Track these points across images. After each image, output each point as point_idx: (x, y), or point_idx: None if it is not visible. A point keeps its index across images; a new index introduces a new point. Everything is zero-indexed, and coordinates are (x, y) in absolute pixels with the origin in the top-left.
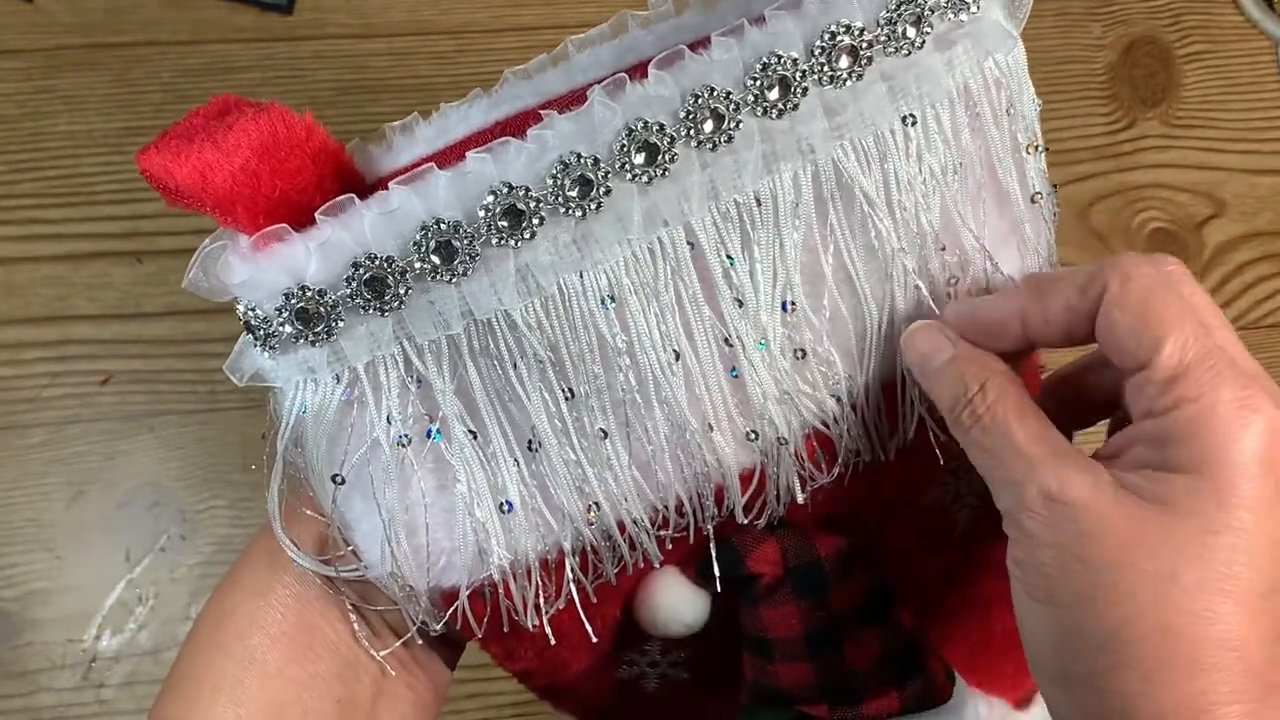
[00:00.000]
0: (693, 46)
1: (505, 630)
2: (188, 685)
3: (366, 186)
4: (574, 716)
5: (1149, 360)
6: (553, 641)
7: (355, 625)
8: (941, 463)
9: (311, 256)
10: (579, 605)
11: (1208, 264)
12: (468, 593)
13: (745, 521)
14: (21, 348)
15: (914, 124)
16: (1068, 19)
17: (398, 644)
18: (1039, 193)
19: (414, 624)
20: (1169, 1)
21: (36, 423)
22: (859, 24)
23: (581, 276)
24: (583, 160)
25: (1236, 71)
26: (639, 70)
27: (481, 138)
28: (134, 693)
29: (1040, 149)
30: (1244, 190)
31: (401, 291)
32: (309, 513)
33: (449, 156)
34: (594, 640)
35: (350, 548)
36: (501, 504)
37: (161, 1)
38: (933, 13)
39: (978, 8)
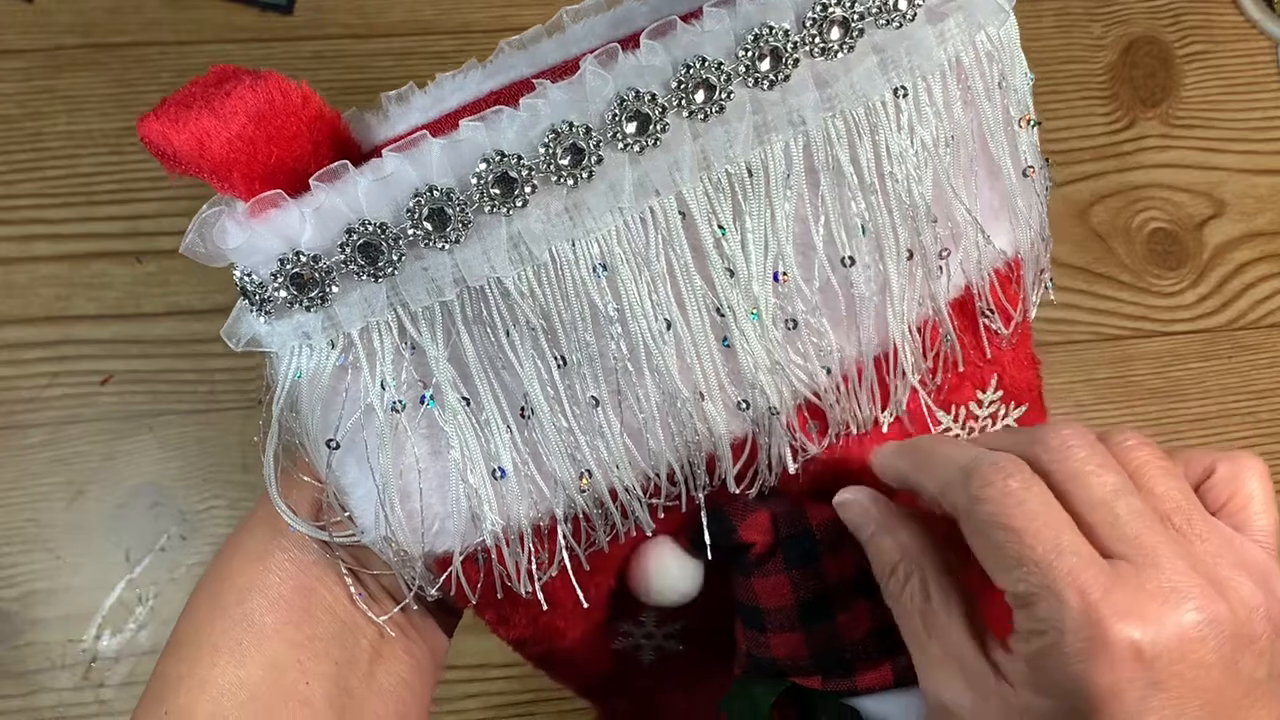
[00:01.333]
0: (686, 18)
1: (499, 596)
2: (187, 646)
3: (362, 155)
4: (571, 687)
5: (1003, 589)
6: (545, 607)
7: (352, 589)
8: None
9: (306, 222)
10: (571, 572)
11: (1207, 264)
12: (461, 558)
13: (737, 490)
14: (21, 348)
15: (905, 96)
16: (1068, 19)
17: (396, 609)
18: (1031, 166)
19: (409, 589)
20: (1169, 1)
21: (36, 423)
22: None
23: (573, 245)
24: (575, 129)
25: (1236, 71)
26: (632, 41)
27: (476, 107)
28: (134, 693)
29: (1033, 123)
30: (1244, 190)
31: (395, 258)
32: (305, 479)
33: (443, 126)
34: (586, 607)
35: (345, 513)
36: (494, 470)
37: (161, 1)
38: None
39: None
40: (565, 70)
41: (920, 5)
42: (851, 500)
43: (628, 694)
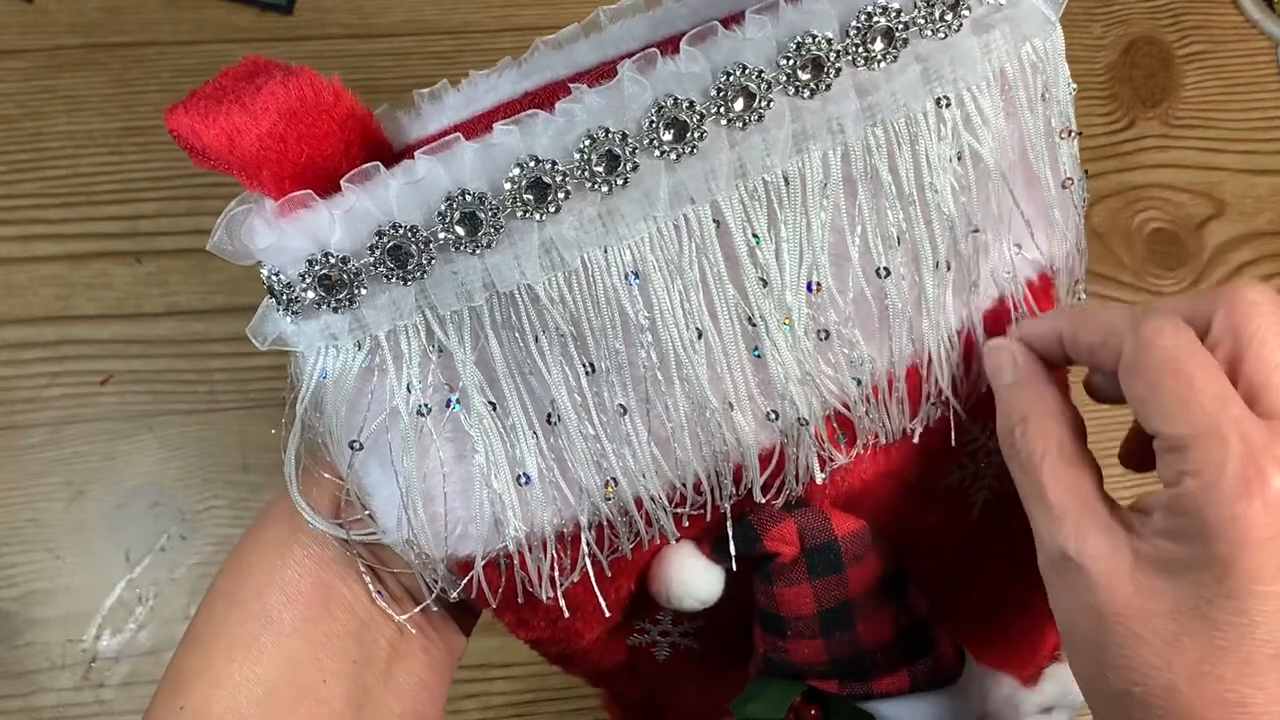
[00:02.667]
0: (726, 21)
1: (520, 601)
2: (204, 641)
3: (393, 153)
4: (584, 679)
5: (1158, 431)
6: (566, 615)
7: (371, 587)
8: (960, 445)
9: (336, 224)
10: (594, 579)
11: (1207, 264)
12: (483, 563)
13: (763, 500)
14: (21, 348)
15: (948, 106)
16: (1068, 19)
17: (416, 610)
18: (1070, 178)
19: (430, 591)
20: (1169, 1)
21: (36, 423)
22: (896, 5)
23: (606, 252)
24: (610, 135)
25: (1236, 71)
26: (671, 44)
27: (510, 108)
28: (134, 693)
29: (1074, 134)
30: (1244, 190)
31: (424, 261)
32: (327, 476)
33: (476, 127)
34: (607, 615)
35: (367, 512)
36: (519, 476)
37: (161, 1)
38: None
39: None
40: (602, 73)
41: (966, 16)
42: (1001, 346)
43: (639, 685)
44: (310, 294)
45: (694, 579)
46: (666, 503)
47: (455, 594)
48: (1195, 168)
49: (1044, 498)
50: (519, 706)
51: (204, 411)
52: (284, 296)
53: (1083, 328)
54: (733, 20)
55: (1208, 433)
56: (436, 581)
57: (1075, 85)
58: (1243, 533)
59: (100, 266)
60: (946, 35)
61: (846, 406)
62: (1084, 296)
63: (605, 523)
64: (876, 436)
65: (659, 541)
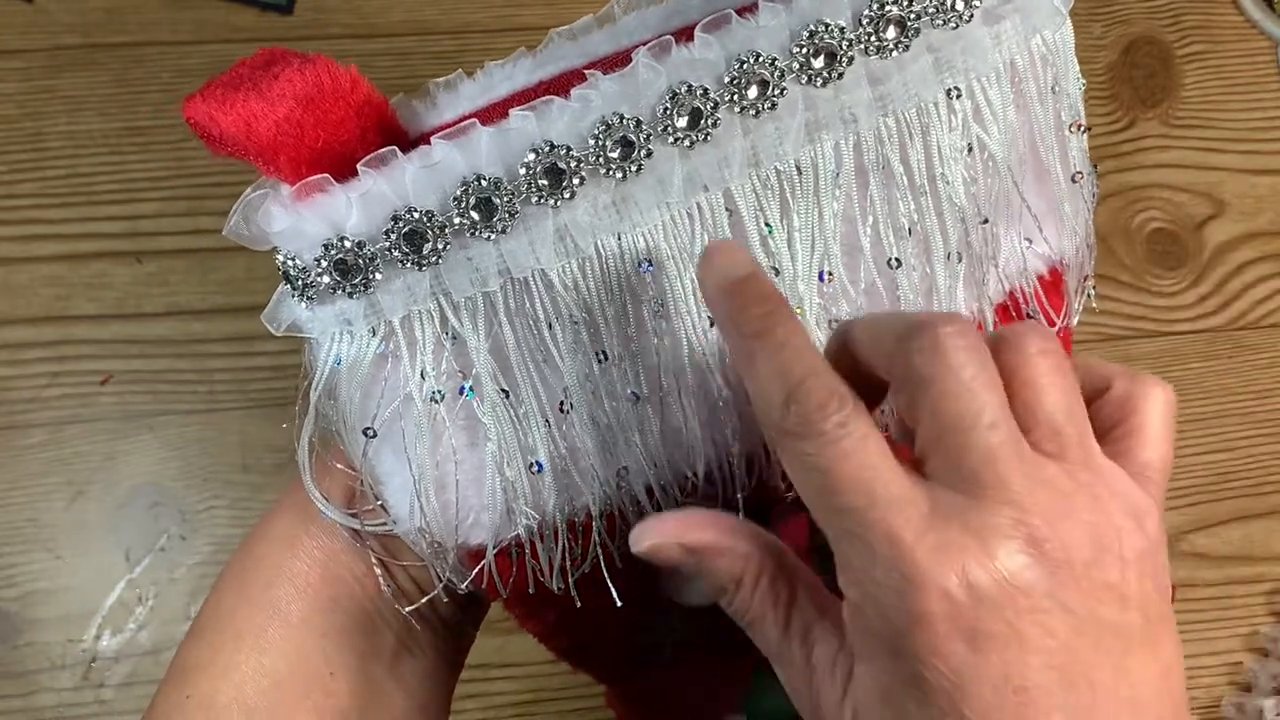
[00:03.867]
0: (740, 11)
1: (530, 591)
2: (211, 631)
3: (410, 141)
4: (592, 676)
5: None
6: (579, 604)
7: (381, 581)
8: None
9: (352, 208)
10: (605, 569)
11: (1207, 264)
12: (494, 551)
13: (783, 488)
14: (21, 348)
15: (958, 97)
16: None
17: (423, 600)
18: (1079, 172)
19: (440, 581)
20: (1169, 1)
21: (36, 423)
22: None
23: (619, 239)
24: (625, 121)
25: (1236, 71)
26: (685, 34)
27: (525, 96)
28: (134, 693)
29: (1084, 128)
30: (1244, 190)
31: (440, 246)
32: (339, 466)
33: (492, 114)
34: (618, 605)
35: (379, 502)
36: (531, 464)
37: (161, 1)
38: None
39: None
40: (617, 62)
41: (978, 7)
42: (660, 543)
43: (646, 681)
44: (325, 279)
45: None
46: (678, 492)
47: (465, 585)
48: (1195, 168)
49: (777, 648)
50: (519, 706)
51: (204, 411)
52: (299, 281)
53: (751, 388)
54: (747, 10)
55: (853, 538)
56: (446, 572)
57: (1084, 80)
58: (913, 646)
59: (100, 266)
60: (958, 25)
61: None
62: (1094, 293)
63: (617, 512)
64: (887, 428)
65: None
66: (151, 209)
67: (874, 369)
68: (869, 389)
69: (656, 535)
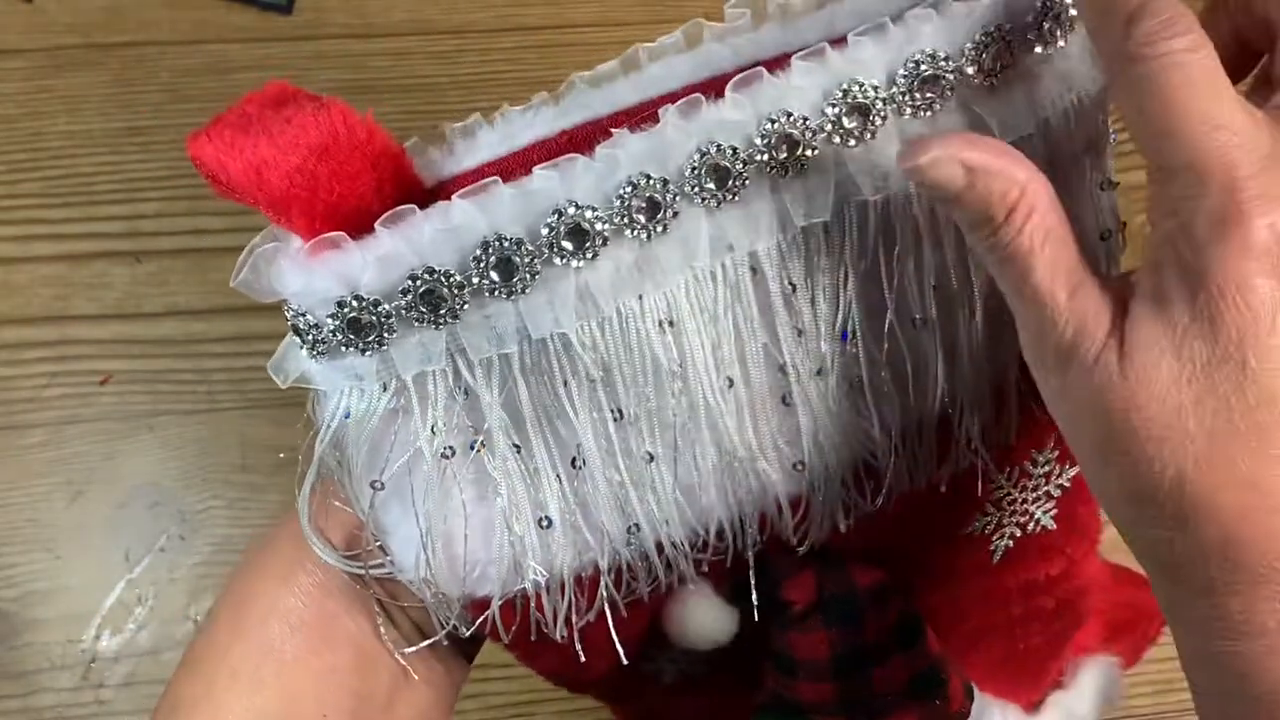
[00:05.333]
0: (772, 64)
1: (533, 639)
2: (204, 666)
3: (426, 191)
4: (593, 698)
5: (1147, 159)
6: (583, 659)
7: (380, 625)
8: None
9: (368, 266)
10: (611, 621)
11: None
12: (499, 603)
13: (795, 543)
14: (21, 348)
15: None
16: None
17: (425, 644)
18: (1109, 230)
19: (443, 628)
20: None
21: (36, 423)
22: (944, 53)
23: (641, 299)
24: (652, 182)
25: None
26: (713, 87)
27: (547, 148)
28: (133, 693)
29: (1114, 185)
30: None
31: (457, 306)
32: (338, 505)
33: (513, 166)
34: (622, 658)
35: (387, 557)
36: (541, 519)
37: (161, 1)
38: (1019, 45)
39: (1065, 42)
40: (642, 114)
41: (1014, 67)
42: (941, 156)
43: (644, 704)
44: (337, 336)
45: (710, 622)
46: (688, 548)
47: (468, 631)
48: None
49: (1037, 292)
50: (519, 706)
51: (203, 411)
52: (309, 337)
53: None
54: (776, 64)
55: (1188, 164)
56: (450, 620)
57: (1116, 134)
58: (1223, 277)
59: (100, 266)
60: (994, 86)
61: (874, 456)
62: None
63: (625, 566)
64: (903, 484)
65: (676, 584)
66: (151, 209)
67: (1255, 12)
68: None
69: (936, 149)
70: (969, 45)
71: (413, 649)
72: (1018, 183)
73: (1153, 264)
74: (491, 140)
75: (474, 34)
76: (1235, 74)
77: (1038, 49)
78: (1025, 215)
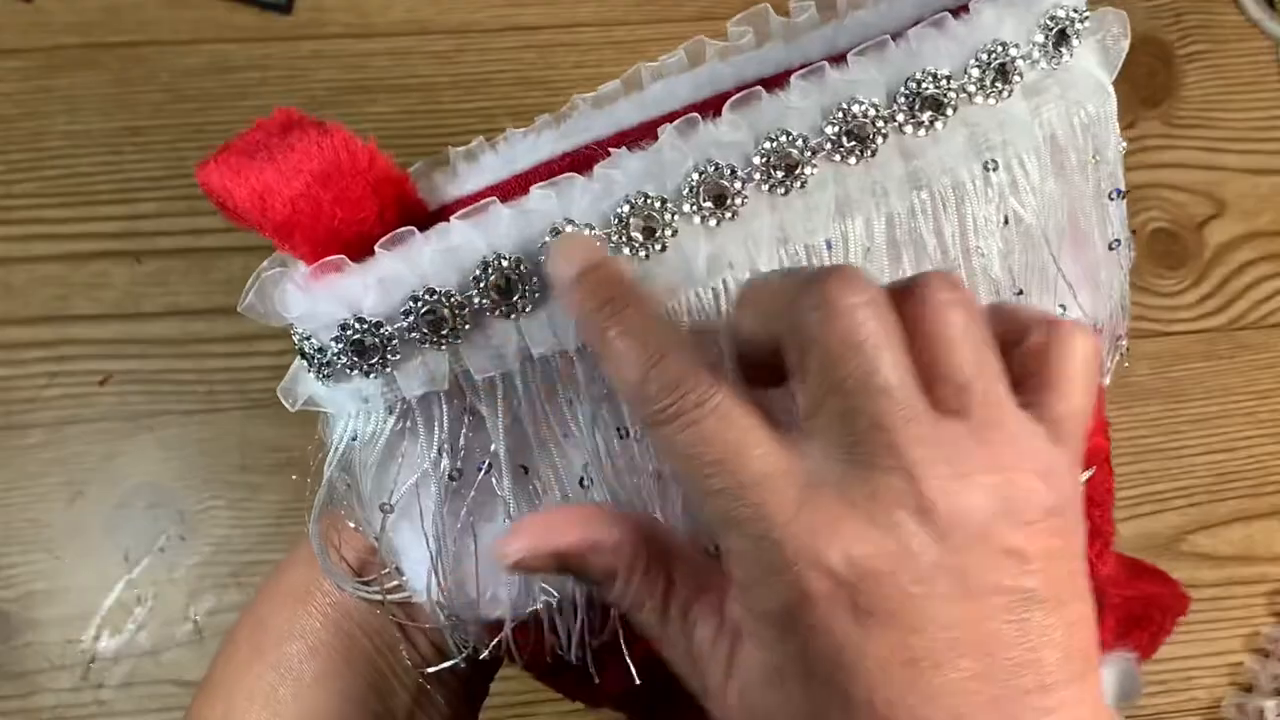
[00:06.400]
0: (770, 84)
1: (548, 660)
2: (222, 689)
3: (429, 214)
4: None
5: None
6: (596, 680)
7: (401, 646)
8: None
9: (370, 289)
10: (624, 641)
11: (1208, 264)
12: (512, 625)
13: None
14: (20, 348)
15: (995, 170)
16: None
17: (443, 666)
18: (1118, 239)
19: (459, 651)
20: (1170, 1)
21: (35, 423)
22: (945, 71)
23: None
24: (650, 201)
25: (1237, 71)
26: (715, 106)
27: (548, 169)
28: (133, 693)
29: (1123, 194)
30: (1245, 190)
31: (459, 325)
32: (352, 525)
33: (514, 188)
34: (636, 681)
35: (402, 577)
36: None
37: (161, 1)
38: (1024, 61)
39: (1070, 56)
40: (643, 134)
41: (1018, 83)
42: (526, 558)
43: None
44: (343, 359)
45: None
46: None
47: (485, 653)
48: (1196, 167)
49: (663, 640)
50: (518, 707)
51: (203, 411)
52: (315, 360)
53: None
54: (776, 83)
55: (731, 523)
56: (467, 641)
57: (1125, 144)
58: (798, 624)
59: (99, 266)
60: (997, 101)
61: None
62: (1126, 349)
63: None
64: None
65: None
66: (151, 209)
67: (764, 333)
68: (772, 365)
69: (523, 548)
70: (971, 62)
71: (431, 670)
72: (610, 549)
73: (741, 609)
74: (494, 163)
75: (473, 34)
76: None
77: (1042, 65)
78: (626, 577)
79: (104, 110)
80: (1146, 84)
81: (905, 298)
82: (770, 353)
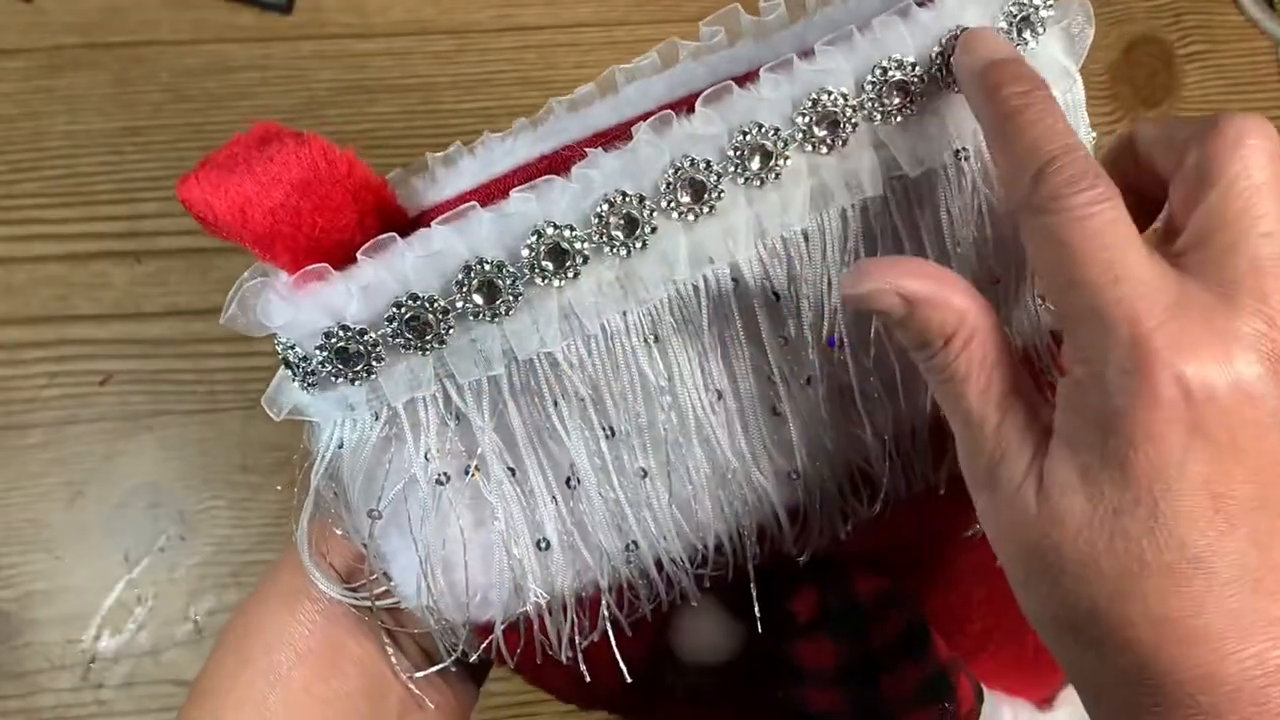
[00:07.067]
0: (742, 80)
1: (539, 661)
2: (211, 697)
3: (409, 220)
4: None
5: (1054, 307)
6: (587, 679)
7: (389, 649)
8: None
9: (352, 296)
10: (614, 641)
11: None
12: (503, 627)
13: (793, 556)
14: (20, 348)
15: (967, 159)
16: None
17: (432, 670)
18: None
19: (449, 655)
20: (1170, 1)
21: (35, 423)
22: (910, 59)
23: (625, 315)
24: (628, 199)
25: (1237, 71)
26: (688, 105)
27: (526, 172)
28: (133, 693)
29: None
30: None
31: (443, 331)
32: (340, 532)
33: (493, 192)
34: (627, 678)
35: (391, 582)
36: (539, 541)
37: (161, 1)
38: None
39: (1036, 43)
40: (619, 135)
41: None
42: (879, 288)
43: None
44: (326, 367)
45: (716, 637)
46: (688, 564)
47: (475, 656)
48: None
49: (969, 415)
50: (519, 707)
51: (204, 411)
52: (299, 369)
53: (1002, 148)
54: (748, 80)
55: (1092, 313)
56: (457, 645)
57: (1095, 133)
58: (1131, 427)
59: (100, 266)
60: None
61: (869, 463)
62: None
63: (625, 585)
64: (900, 490)
65: (680, 601)
66: (151, 209)
67: (1155, 165)
68: (1142, 204)
69: (875, 279)
70: (936, 49)
71: (421, 674)
72: (955, 311)
73: (1067, 406)
74: (472, 167)
75: (473, 34)
76: (1145, 220)
77: None
78: (962, 344)
79: (104, 110)
80: (1146, 84)
81: None
82: (1141, 193)
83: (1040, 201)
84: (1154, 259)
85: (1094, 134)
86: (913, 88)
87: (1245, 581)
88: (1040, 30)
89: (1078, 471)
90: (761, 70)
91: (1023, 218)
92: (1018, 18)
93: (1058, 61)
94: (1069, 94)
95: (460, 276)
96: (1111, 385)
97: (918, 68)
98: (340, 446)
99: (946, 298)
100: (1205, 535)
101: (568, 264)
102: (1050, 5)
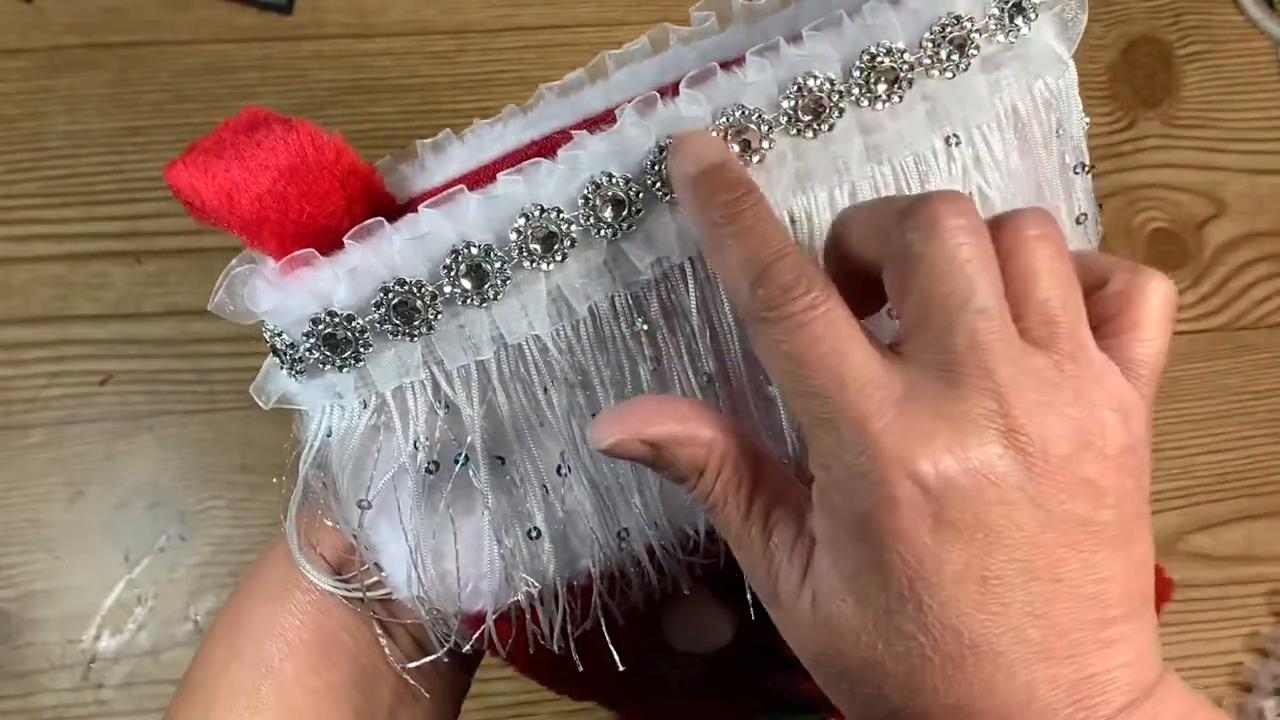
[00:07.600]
0: (727, 65)
1: (531, 651)
2: (202, 689)
3: (398, 207)
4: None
5: (795, 420)
6: (580, 669)
7: (383, 643)
8: None
9: (340, 281)
10: (606, 630)
11: (1208, 264)
12: (494, 617)
13: None
14: (20, 348)
15: (957, 144)
16: None
17: (425, 661)
18: (1084, 214)
19: (441, 645)
20: (1169, 1)
21: (35, 423)
22: (900, 45)
23: (613, 299)
24: (615, 180)
25: (1237, 71)
26: (673, 89)
27: (515, 157)
28: (133, 693)
29: (1088, 169)
30: (1244, 190)
31: (431, 316)
32: (330, 523)
33: (481, 177)
34: (620, 667)
35: (382, 572)
36: (530, 530)
37: (161, 1)
38: (980, 34)
39: (1028, 30)
40: (608, 120)
41: (974, 56)
42: (622, 440)
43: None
44: (315, 354)
45: (710, 625)
46: (679, 551)
47: (467, 647)
48: (1196, 168)
49: (738, 539)
50: (519, 706)
51: (203, 411)
52: (287, 356)
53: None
54: (735, 64)
55: (822, 422)
56: (449, 636)
57: (1088, 119)
58: (878, 528)
59: (99, 266)
60: (954, 75)
61: None
62: None
63: (617, 573)
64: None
65: (671, 590)
66: (151, 209)
67: (866, 254)
68: (867, 289)
69: (618, 431)
70: (926, 36)
71: (413, 664)
72: (703, 444)
73: (820, 511)
74: (461, 154)
75: (473, 34)
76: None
77: (999, 38)
78: (714, 474)
79: (104, 110)
80: (1146, 84)
81: (999, 228)
82: (865, 277)
83: (759, 312)
84: (878, 354)
85: (1088, 120)
86: (900, 74)
87: (1034, 654)
88: (1032, 16)
89: (841, 578)
90: (748, 54)
91: (749, 328)
92: (1010, 4)
93: (1050, 47)
94: (1061, 80)
95: (448, 260)
96: (853, 491)
97: (906, 54)
98: (329, 435)
99: (691, 433)
100: (979, 619)
101: (555, 247)
102: None
